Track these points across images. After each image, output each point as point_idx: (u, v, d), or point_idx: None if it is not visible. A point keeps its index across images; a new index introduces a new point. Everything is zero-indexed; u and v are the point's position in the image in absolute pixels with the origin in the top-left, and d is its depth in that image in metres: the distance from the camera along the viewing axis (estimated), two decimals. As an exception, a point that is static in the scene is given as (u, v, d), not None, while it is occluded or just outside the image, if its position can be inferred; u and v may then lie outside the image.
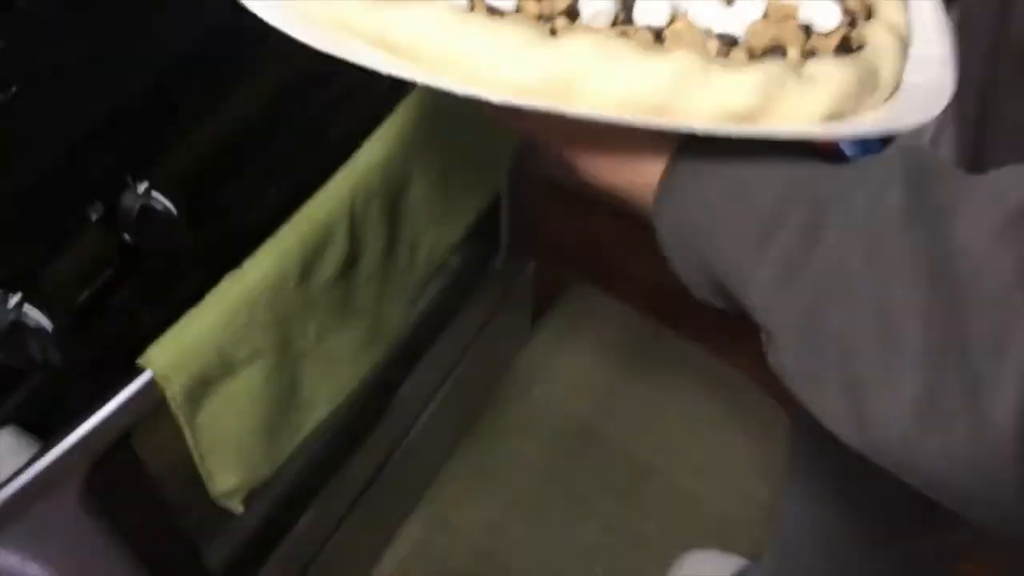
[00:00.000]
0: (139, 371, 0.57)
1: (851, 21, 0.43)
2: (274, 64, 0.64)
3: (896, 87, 0.42)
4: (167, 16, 0.58)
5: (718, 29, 0.41)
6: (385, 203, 0.70)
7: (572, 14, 0.40)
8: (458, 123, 0.76)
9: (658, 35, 0.40)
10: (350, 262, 0.69)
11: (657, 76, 0.37)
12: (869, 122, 0.40)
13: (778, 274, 0.36)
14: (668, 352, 1.36)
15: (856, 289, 0.35)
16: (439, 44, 0.37)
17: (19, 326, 0.50)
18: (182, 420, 0.60)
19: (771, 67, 0.38)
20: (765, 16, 0.41)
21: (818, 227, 0.36)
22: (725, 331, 1.36)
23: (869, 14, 0.44)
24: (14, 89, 0.52)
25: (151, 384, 0.57)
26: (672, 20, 0.41)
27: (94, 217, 0.54)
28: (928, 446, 0.34)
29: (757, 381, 1.31)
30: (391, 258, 0.74)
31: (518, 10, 0.40)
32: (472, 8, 0.39)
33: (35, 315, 0.50)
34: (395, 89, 0.72)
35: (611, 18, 0.40)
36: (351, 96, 0.71)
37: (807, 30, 0.42)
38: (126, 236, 0.55)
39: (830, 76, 0.39)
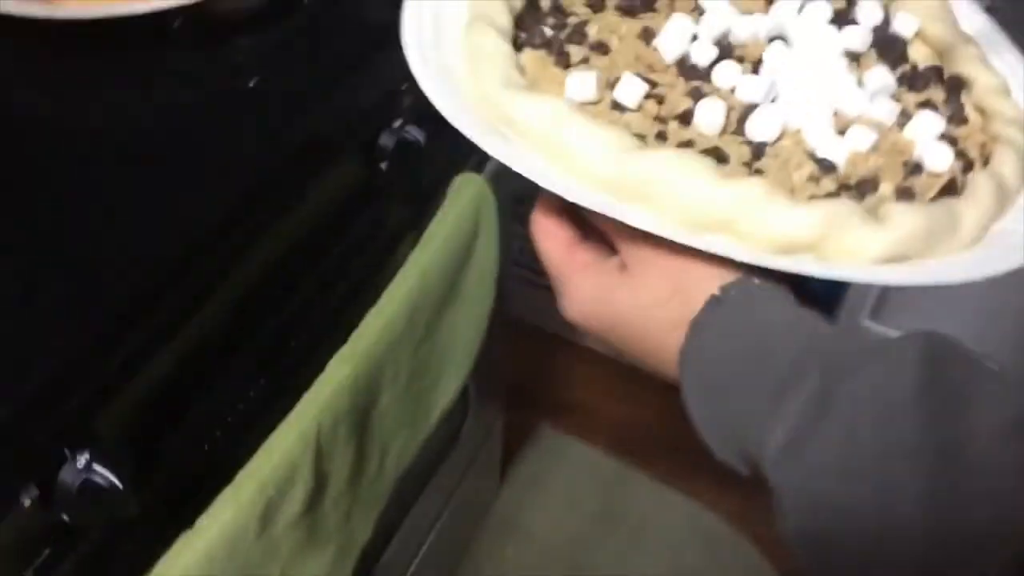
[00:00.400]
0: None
1: (966, 166, 0.44)
2: (223, 292, 0.59)
3: (982, 234, 0.42)
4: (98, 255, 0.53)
5: (821, 153, 0.42)
6: (353, 423, 0.65)
7: (686, 118, 0.43)
8: (434, 319, 0.72)
9: (758, 152, 0.42)
10: (315, 495, 0.62)
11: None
12: (929, 270, 0.40)
13: (789, 436, 0.36)
14: (644, 499, 1.30)
15: (861, 463, 0.35)
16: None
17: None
18: None
19: (838, 204, 0.39)
20: (875, 148, 0.42)
21: (830, 394, 0.35)
22: (703, 475, 1.31)
23: (987, 162, 0.44)
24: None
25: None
26: (780, 136, 0.42)
27: (27, 502, 0.47)
28: None
29: (741, 528, 1.26)
30: (359, 475, 0.69)
31: (639, 108, 0.43)
32: (598, 101, 0.43)
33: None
34: (354, 298, 0.68)
35: (720, 130, 0.42)
36: (304, 318, 0.66)
37: (917, 167, 0.43)
38: (64, 516, 0.49)
39: (900, 220, 0.39)
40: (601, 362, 1.45)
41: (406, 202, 0.76)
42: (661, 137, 0.42)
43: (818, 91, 0.44)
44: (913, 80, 0.47)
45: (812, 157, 0.42)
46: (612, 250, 0.44)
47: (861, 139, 0.42)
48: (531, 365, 1.39)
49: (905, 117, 0.44)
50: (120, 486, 0.49)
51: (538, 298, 1.54)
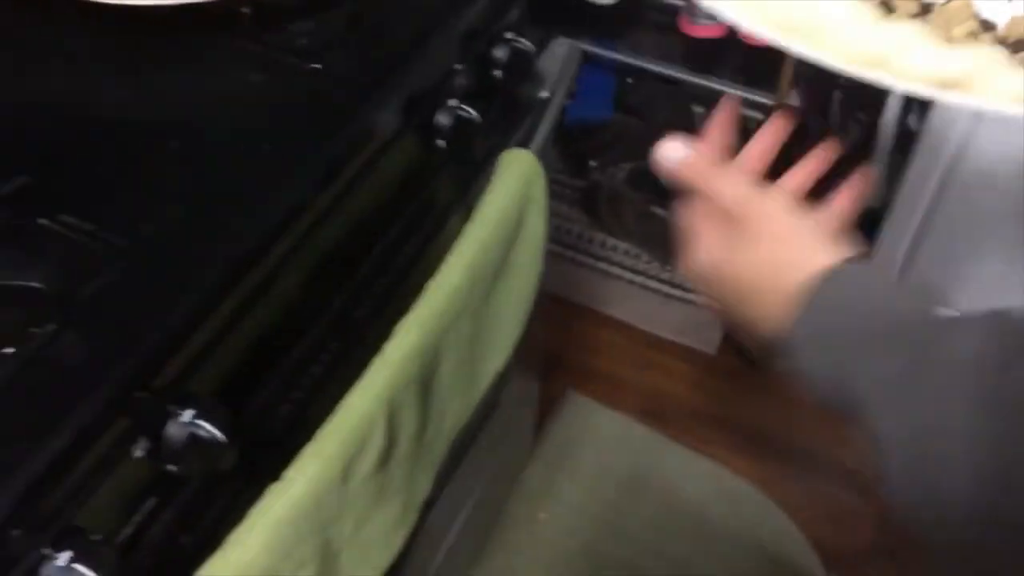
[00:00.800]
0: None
1: None
2: (297, 266, 0.63)
3: None
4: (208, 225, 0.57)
5: (984, 13, 0.48)
6: (420, 386, 0.69)
7: None
8: (489, 290, 0.76)
9: (925, 9, 0.48)
10: (387, 452, 0.67)
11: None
12: None
13: (893, 387, 0.43)
14: (673, 465, 1.35)
15: (953, 421, 0.40)
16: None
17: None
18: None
19: (986, 49, 0.46)
20: None
21: (929, 356, 0.42)
22: (731, 440, 1.35)
23: None
24: (52, 327, 0.51)
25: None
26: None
27: (138, 453, 0.52)
28: None
29: (767, 491, 1.31)
30: (422, 435, 0.73)
31: None
32: None
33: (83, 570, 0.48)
34: (409, 269, 0.72)
35: None
36: (367, 288, 0.70)
37: None
38: (171, 467, 0.53)
39: None
40: (626, 331, 1.50)
41: (458, 176, 0.80)
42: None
43: None
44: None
45: (975, 17, 0.48)
46: None
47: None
48: (559, 335, 1.44)
49: None
50: (223, 439, 0.53)
51: (565, 271, 1.58)
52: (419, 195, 0.76)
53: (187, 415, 0.53)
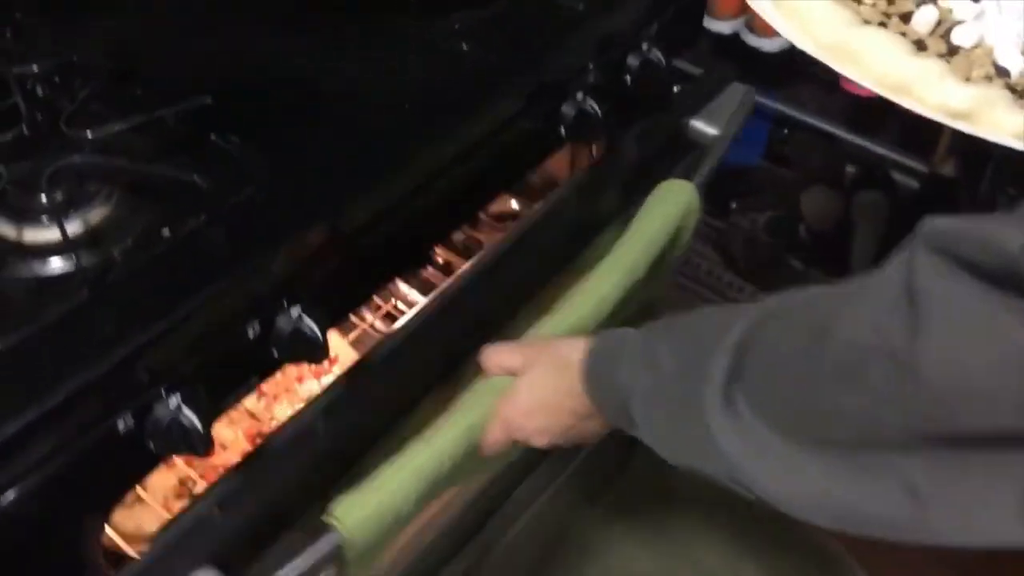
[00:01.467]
0: (325, 527, 0.63)
1: None
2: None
3: None
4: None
5: (1000, 62, 0.57)
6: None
7: (906, 18, 0.60)
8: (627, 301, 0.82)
9: (952, 51, 0.58)
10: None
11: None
12: None
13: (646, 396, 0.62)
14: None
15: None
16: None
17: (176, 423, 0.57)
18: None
19: (991, 89, 0.54)
20: None
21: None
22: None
23: None
24: (203, 218, 0.62)
25: (335, 543, 0.63)
26: (976, 45, 0.58)
27: (251, 335, 0.61)
28: None
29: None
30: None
31: (873, 3, 0.60)
32: None
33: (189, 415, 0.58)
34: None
35: (930, 30, 0.59)
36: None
37: None
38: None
39: None
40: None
41: (619, 195, 0.88)
42: (882, 25, 0.59)
43: (1017, 20, 0.58)
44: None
45: (994, 63, 0.56)
46: None
47: None
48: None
49: None
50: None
51: (689, 302, 1.61)
52: (578, 206, 0.84)
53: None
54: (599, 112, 0.79)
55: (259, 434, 0.99)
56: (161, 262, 0.60)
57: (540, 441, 0.70)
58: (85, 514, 0.58)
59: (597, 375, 0.66)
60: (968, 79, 0.55)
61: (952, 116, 0.54)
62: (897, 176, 1.43)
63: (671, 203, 0.84)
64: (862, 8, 0.60)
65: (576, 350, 0.68)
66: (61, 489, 0.54)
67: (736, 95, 0.94)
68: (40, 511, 0.54)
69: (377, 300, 1.17)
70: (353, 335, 1.12)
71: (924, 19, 0.59)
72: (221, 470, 0.96)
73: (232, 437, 0.98)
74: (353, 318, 1.13)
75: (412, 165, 0.69)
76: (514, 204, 1.07)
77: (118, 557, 0.85)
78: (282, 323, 0.62)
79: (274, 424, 0.99)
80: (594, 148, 0.90)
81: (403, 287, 1.21)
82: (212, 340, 0.59)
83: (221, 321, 0.60)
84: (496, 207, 1.08)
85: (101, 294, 0.57)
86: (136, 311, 0.56)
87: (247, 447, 0.98)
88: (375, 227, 0.68)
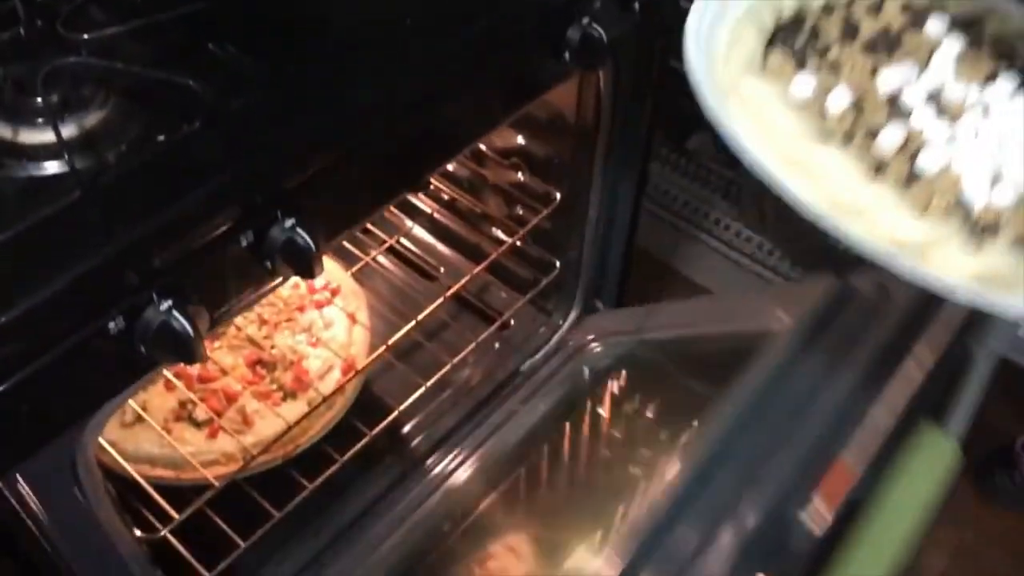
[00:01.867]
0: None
1: None
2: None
3: None
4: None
5: (966, 192, 0.52)
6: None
7: (873, 133, 0.55)
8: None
9: (913, 176, 0.53)
10: None
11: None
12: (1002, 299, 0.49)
13: None
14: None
15: None
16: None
17: (167, 327, 0.57)
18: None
19: (944, 226, 0.50)
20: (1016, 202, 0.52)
21: None
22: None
23: None
24: (198, 124, 0.61)
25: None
26: (943, 171, 0.53)
27: (244, 244, 0.61)
28: None
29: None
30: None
31: (840, 115, 0.55)
32: (812, 102, 0.56)
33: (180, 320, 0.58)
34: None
35: (895, 151, 0.54)
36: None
37: None
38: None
39: (987, 256, 0.50)
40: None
41: None
42: (847, 140, 0.54)
43: (991, 151, 0.54)
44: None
45: (959, 196, 0.52)
46: None
47: (1004, 195, 0.52)
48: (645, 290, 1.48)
49: None
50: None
51: (660, 231, 1.62)
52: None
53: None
54: (604, 37, 0.78)
55: (259, 361, 0.99)
56: (155, 166, 0.59)
57: None
58: (75, 411, 0.58)
59: None
60: (926, 208, 0.52)
61: (901, 249, 0.50)
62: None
63: (935, 468, 0.80)
64: (826, 122, 0.56)
65: None
66: (52, 385, 0.55)
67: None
68: (30, 406, 0.55)
69: (381, 234, 1.17)
70: (356, 267, 1.12)
71: (890, 138, 0.55)
72: (222, 395, 0.97)
73: (232, 363, 0.99)
74: (356, 250, 1.14)
75: (411, 81, 0.68)
76: (520, 139, 1.05)
77: (118, 478, 0.86)
78: (275, 233, 0.62)
79: (274, 352, 1.00)
80: (601, 78, 0.88)
81: (408, 222, 1.21)
82: (204, 247, 0.59)
83: (213, 227, 0.59)
84: (502, 142, 1.07)
85: (94, 195, 0.57)
86: (127, 212, 0.56)
87: (248, 374, 0.98)
88: (372, 142, 0.68)
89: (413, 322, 0.97)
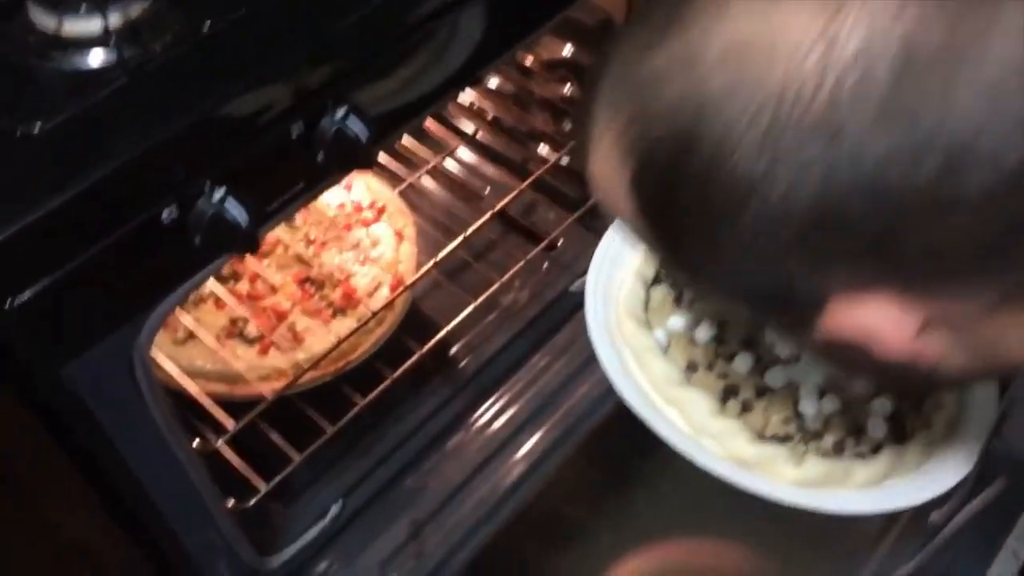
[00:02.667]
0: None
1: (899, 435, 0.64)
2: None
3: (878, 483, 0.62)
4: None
5: (801, 407, 0.64)
6: None
7: (731, 358, 0.67)
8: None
9: (761, 392, 0.65)
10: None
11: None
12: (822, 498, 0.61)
13: None
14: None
15: None
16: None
17: (220, 216, 0.56)
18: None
19: (772, 447, 0.62)
20: (839, 410, 0.65)
21: None
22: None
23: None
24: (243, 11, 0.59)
25: None
26: (786, 386, 0.66)
27: (295, 134, 0.60)
28: None
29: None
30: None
31: (706, 344, 0.68)
32: (685, 333, 0.68)
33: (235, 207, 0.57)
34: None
35: (748, 371, 0.66)
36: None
37: (860, 429, 0.64)
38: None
39: (807, 467, 0.61)
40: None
41: None
42: (710, 367, 0.66)
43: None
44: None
45: (795, 408, 0.64)
46: None
47: (829, 405, 0.64)
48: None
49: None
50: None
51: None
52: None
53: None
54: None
55: (308, 279, 0.98)
56: (202, 55, 0.58)
57: None
58: (131, 305, 0.58)
59: None
60: (766, 423, 0.63)
61: (742, 466, 0.61)
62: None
63: None
64: (695, 351, 0.66)
65: None
66: (107, 275, 0.54)
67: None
68: (85, 297, 0.54)
69: (425, 155, 1.15)
70: (401, 187, 1.10)
71: (743, 363, 0.66)
72: (271, 313, 0.97)
73: (281, 281, 0.98)
74: (401, 171, 1.12)
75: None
76: (567, 49, 1.02)
77: (172, 393, 0.86)
78: (326, 124, 0.60)
79: (324, 270, 0.99)
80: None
81: (452, 142, 1.19)
82: (254, 136, 0.58)
83: (263, 117, 0.58)
84: (548, 53, 1.04)
85: (141, 82, 0.55)
86: (174, 101, 0.55)
87: (297, 292, 0.98)
88: (422, 36, 0.66)
89: (460, 237, 0.96)
